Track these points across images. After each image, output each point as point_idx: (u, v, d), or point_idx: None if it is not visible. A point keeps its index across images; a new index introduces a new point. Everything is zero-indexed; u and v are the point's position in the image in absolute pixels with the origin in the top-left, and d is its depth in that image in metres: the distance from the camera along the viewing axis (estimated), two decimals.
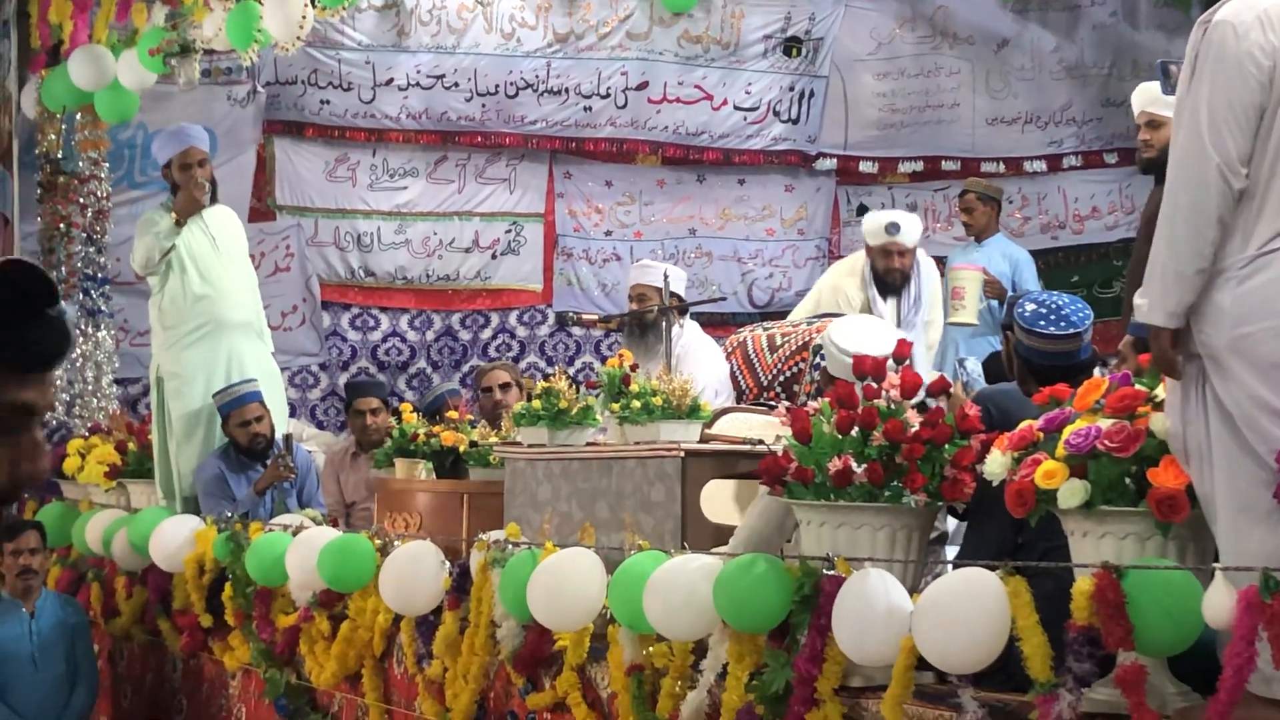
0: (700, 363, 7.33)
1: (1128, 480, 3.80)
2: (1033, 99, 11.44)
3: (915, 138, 11.48)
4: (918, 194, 11.56)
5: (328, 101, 10.76)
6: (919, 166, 11.54)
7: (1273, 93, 3.60)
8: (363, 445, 8.42)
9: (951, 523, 5.20)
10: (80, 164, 9.58)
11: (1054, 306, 4.58)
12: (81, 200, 9.64)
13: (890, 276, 7.84)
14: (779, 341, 6.90)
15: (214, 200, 8.04)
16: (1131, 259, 7.12)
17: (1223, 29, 3.64)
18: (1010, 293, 8.54)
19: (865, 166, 11.46)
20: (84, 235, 9.68)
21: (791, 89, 11.33)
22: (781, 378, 6.84)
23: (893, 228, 7.84)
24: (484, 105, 10.88)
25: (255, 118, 10.61)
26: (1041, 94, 11.44)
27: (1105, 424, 3.79)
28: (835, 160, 11.51)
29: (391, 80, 10.74)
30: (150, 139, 10.27)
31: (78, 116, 9.41)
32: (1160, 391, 3.84)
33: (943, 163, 11.51)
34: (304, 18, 7.32)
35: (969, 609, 3.74)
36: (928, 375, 4.82)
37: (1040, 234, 11.47)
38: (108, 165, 9.83)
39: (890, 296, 7.84)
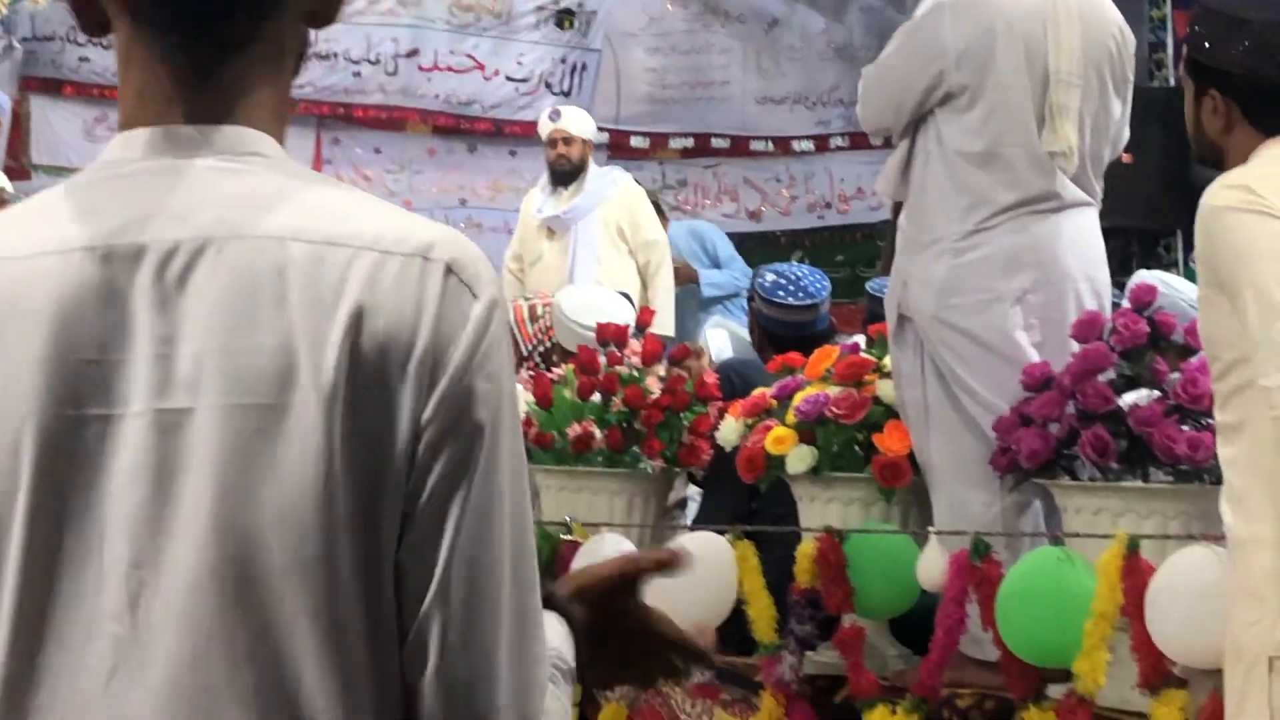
0: None
1: (856, 447, 3.88)
2: (802, 79, 11.58)
3: (686, 114, 11.54)
4: (688, 170, 11.63)
5: (87, 59, 10.45)
6: (690, 143, 11.60)
7: (958, 75, 3.72)
8: None
9: (694, 489, 5.25)
10: None
11: (793, 277, 4.66)
12: None
13: (558, 164, 7.96)
14: (540, 312, 6.91)
15: None
16: (886, 240, 7.27)
17: (932, 4, 3.76)
18: (707, 268, 8.55)
19: (637, 141, 11.49)
20: None
21: (564, 61, 11.31)
22: (541, 348, 6.85)
23: (554, 115, 8.11)
24: None
25: (11, 74, 10.26)
26: (810, 74, 11.59)
27: (833, 391, 3.86)
28: (607, 134, 11.53)
29: None
30: None
31: None
32: (889, 361, 3.93)
33: (713, 140, 11.58)
34: None
35: (697, 573, 3.78)
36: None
37: (807, 213, 11.63)
38: None
39: (559, 186, 7.95)
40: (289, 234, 1.25)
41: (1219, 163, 2.68)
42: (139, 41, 1.34)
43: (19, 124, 10.40)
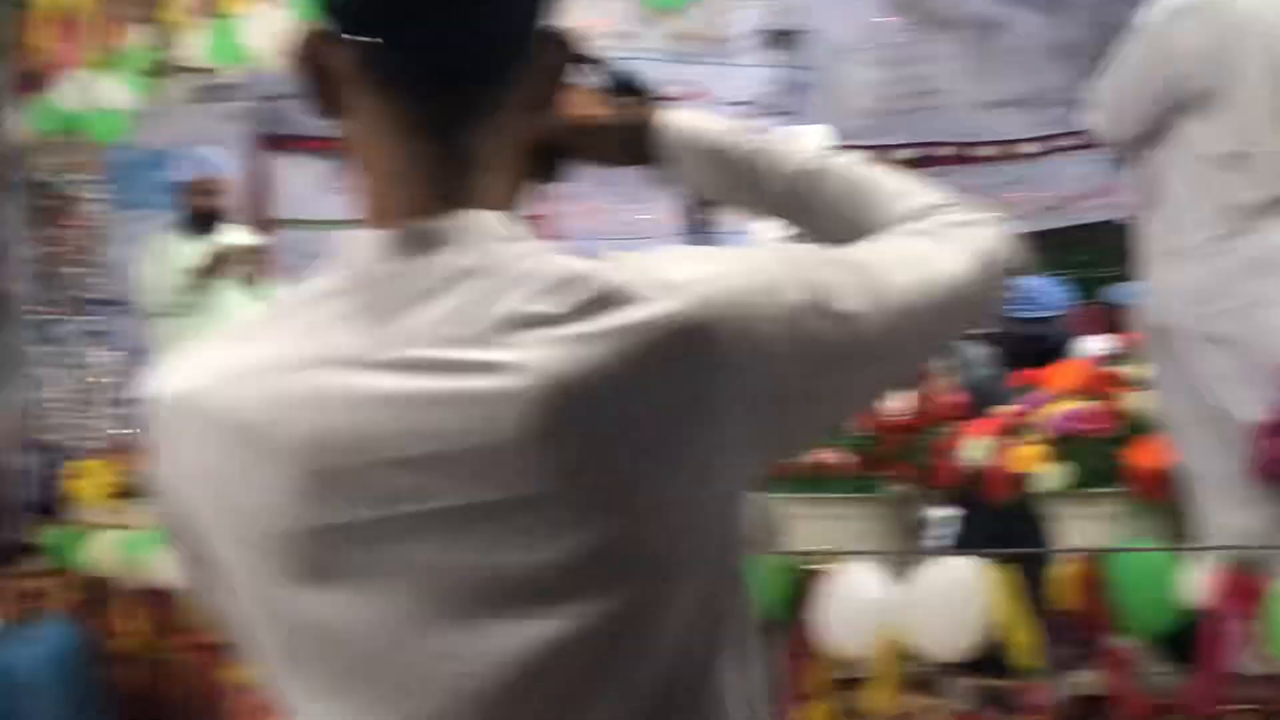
0: None
1: (1109, 462, 3.79)
2: (1023, 81, 11.41)
3: (907, 125, 11.46)
4: None
5: None
6: (913, 154, 11.51)
7: (1202, 79, 3.63)
8: None
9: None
10: (72, 186, 9.57)
11: (1027, 290, 4.58)
12: (76, 222, 9.63)
13: None
14: None
15: None
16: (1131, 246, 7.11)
17: (1172, 8, 3.68)
18: None
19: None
20: (81, 257, 9.67)
21: (782, 82, 11.31)
22: None
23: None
24: None
25: (247, 133, 10.57)
26: (1032, 75, 11.40)
27: (1082, 406, 3.78)
28: None
29: None
30: (141, 160, 10.29)
31: (68, 139, 9.39)
32: (1138, 371, 3.84)
33: (937, 149, 11.49)
34: None
35: (954, 599, 3.71)
36: None
37: (1037, 216, 11.45)
38: (100, 186, 9.80)
39: None
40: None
41: None
42: (384, 115, 1.24)
43: (259, 181, 10.66)
